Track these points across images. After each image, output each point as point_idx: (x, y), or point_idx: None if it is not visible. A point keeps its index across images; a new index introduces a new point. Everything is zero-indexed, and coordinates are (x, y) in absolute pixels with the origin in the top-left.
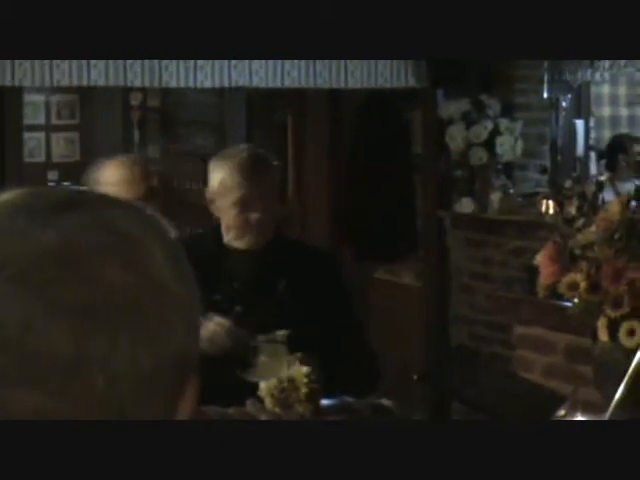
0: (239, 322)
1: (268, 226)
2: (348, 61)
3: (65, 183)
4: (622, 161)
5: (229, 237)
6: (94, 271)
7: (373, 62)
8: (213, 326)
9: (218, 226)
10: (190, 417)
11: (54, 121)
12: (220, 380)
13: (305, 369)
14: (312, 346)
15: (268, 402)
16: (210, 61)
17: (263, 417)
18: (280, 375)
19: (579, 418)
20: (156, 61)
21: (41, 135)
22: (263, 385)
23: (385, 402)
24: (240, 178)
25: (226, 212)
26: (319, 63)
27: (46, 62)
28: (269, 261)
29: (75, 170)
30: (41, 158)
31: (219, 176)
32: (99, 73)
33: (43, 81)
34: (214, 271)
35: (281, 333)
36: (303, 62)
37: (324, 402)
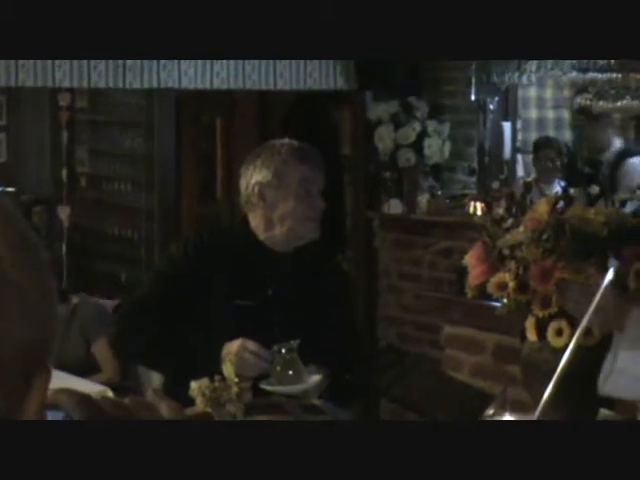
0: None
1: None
2: (277, 63)
3: None
4: (548, 162)
5: (269, 234)
6: None
7: (302, 64)
8: (242, 353)
9: (246, 224)
10: (41, 412)
11: None
12: None
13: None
14: (320, 353)
15: (199, 401)
16: (139, 62)
17: (163, 407)
18: (297, 385)
19: (507, 417)
20: (85, 61)
21: None
22: (194, 385)
23: (315, 401)
24: (299, 162)
25: (282, 203)
26: (248, 64)
27: None
28: (304, 264)
29: (3, 171)
30: None
31: (272, 166)
32: (27, 73)
33: None
34: (247, 273)
35: (294, 343)
36: (232, 63)
37: (255, 401)
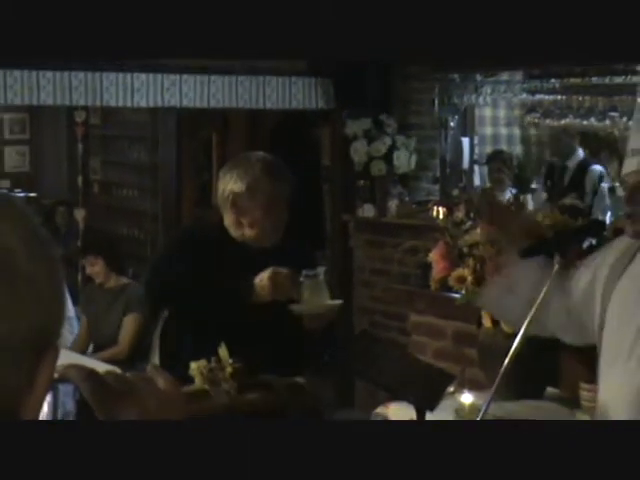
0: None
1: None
2: (266, 84)
3: (17, 190)
4: (502, 173)
5: (240, 233)
6: None
7: (288, 85)
8: (275, 278)
9: (221, 222)
10: (49, 384)
11: (7, 136)
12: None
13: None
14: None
15: (198, 380)
16: (146, 83)
17: (160, 381)
18: (322, 306)
19: (466, 394)
20: (98, 83)
21: None
22: (194, 365)
23: (299, 380)
24: (269, 180)
25: (251, 212)
26: (240, 86)
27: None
28: (279, 255)
29: (25, 179)
30: None
31: (245, 180)
32: (47, 93)
33: None
34: (227, 263)
35: (321, 269)
36: (227, 85)
37: (246, 380)
